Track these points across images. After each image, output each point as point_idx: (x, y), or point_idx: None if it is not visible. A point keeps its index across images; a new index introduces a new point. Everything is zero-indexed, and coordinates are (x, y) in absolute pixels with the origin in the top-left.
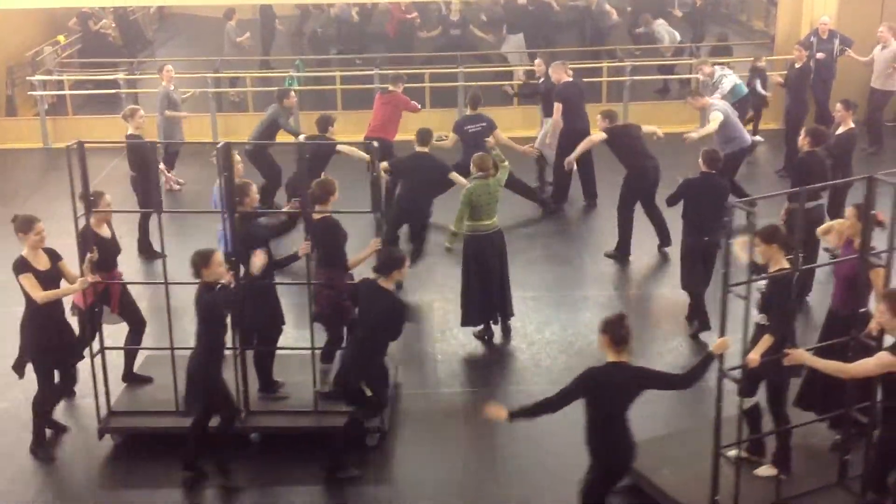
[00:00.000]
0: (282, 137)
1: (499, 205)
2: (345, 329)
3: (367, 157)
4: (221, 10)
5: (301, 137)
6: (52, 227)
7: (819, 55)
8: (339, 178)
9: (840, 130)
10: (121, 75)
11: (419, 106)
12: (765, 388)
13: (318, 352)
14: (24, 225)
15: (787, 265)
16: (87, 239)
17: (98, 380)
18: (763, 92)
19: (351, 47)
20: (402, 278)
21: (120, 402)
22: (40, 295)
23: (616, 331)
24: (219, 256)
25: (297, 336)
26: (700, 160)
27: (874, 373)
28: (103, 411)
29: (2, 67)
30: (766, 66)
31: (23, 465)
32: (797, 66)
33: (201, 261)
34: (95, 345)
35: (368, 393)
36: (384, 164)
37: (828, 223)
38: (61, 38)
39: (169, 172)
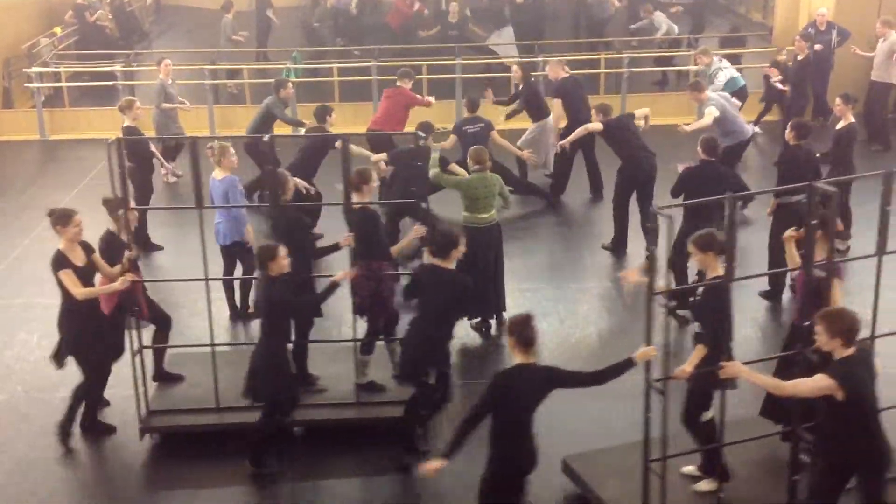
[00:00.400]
0: (280, 129)
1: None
2: (382, 321)
3: (369, 154)
4: (218, 1)
5: (303, 130)
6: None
7: (817, 47)
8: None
9: (840, 125)
10: (117, 67)
11: (430, 100)
12: (685, 397)
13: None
14: (63, 218)
15: (722, 273)
16: (110, 242)
17: (137, 379)
18: (780, 86)
19: (348, 39)
20: (460, 256)
21: (156, 401)
22: (81, 292)
23: (522, 332)
24: (283, 250)
25: (331, 327)
26: (698, 148)
27: (810, 394)
28: (142, 410)
29: None
30: (786, 60)
31: (21, 457)
32: (798, 58)
33: (268, 255)
34: (133, 344)
35: (431, 380)
36: (382, 155)
37: (788, 232)
38: (58, 29)
39: (170, 164)
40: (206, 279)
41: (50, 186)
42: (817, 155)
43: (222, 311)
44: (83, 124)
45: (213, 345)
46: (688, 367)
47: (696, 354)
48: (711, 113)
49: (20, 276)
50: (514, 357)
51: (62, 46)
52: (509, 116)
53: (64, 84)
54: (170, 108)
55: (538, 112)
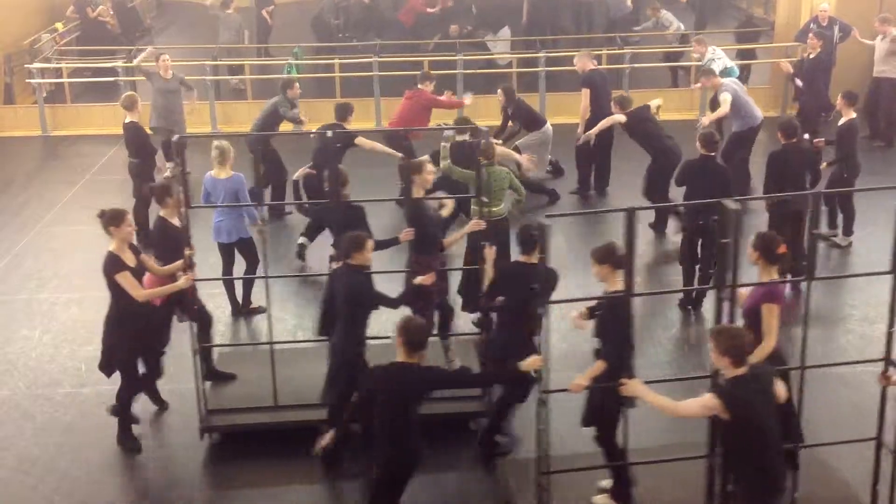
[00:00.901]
0: (285, 128)
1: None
2: (436, 314)
3: (390, 151)
4: None
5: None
6: (57, 216)
7: (809, 41)
8: (355, 168)
9: (842, 121)
10: (119, 63)
11: (465, 100)
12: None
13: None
14: (115, 219)
15: (622, 287)
16: (163, 229)
17: (198, 378)
18: (799, 84)
19: (354, 34)
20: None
21: (212, 401)
22: (143, 293)
23: (413, 336)
24: (371, 242)
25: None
26: (697, 143)
27: (699, 415)
28: (202, 410)
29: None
30: (808, 56)
31: (23, 453)
32: (811, 56)
33: (355, 246)
34: (192, 343)
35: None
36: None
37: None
38: (59, 25)
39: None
40: (266, 276)
41: (51, 183)
42: (822, 140)
43: (223, 308)
44: (85, 120)
45: (271, 343)
46: (582, 380)
47: (594, 369)
48: (727, 99)
49: (22, 272)
50: (398, 353)
51: (63, 42)
52: (507, 139)
53: (65, 80)
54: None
55: (535, 124)
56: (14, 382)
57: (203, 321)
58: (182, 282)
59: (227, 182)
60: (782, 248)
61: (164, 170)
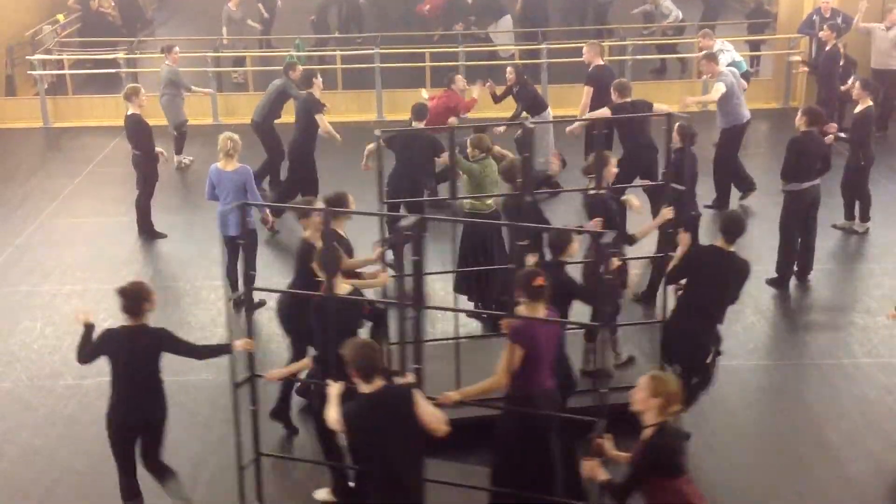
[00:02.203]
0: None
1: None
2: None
3: (339, 138)
4: None
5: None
6: (58, 208)
7: (822, 34)
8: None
9: (858, 108)
10: (121, 55)
11: (474, 99)
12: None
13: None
14: (300, 211)
15: (349, 288)
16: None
17: None
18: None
19: (353, 27)
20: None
21: None
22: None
23: (126, 302)
24: (576, 237)
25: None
26: (675, 134)
27: (339, 430)
28: None
29: (1, 47)
30: (843, 50)
31: (25, 445)
32: (827, 48)
33: (567, 240)
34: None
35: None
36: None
37: None
38: (61, 17)
39: (179, 154)
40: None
41: (53, 174)
42: (840, 134)
43: (214, 302)
44: (86, 112)
45: (457, 338)
46: (278, 371)
47: (298, 363)
48: (719, 89)
49: (24, 264)
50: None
51: (65, 34)
52: (511, 121)
53: (67, 72)
54: (185, 96)
55: (537, 107)
56: (16, 374)
57: (381, 319)
58: (382, 279)
59: (233, 174)
60: (539, 282)
61: (180, 162)
